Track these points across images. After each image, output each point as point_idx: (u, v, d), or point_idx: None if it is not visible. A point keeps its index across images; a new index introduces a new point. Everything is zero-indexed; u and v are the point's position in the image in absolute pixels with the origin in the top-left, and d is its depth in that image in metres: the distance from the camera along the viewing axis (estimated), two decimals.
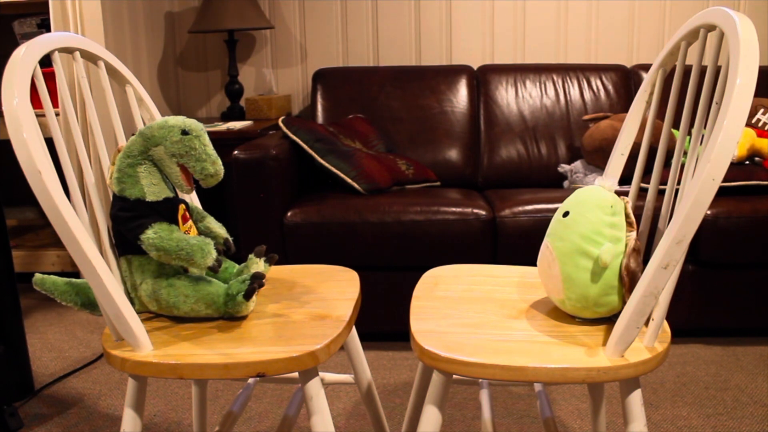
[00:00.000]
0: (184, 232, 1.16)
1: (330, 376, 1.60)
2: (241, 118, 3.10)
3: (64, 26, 2.51)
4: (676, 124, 1.29)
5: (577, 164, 2.66)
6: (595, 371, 0.97)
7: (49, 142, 2.30)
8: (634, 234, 1.10)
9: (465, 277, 1.36)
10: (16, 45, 1.08)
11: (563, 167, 2.70)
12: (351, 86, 2.91)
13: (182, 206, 1.19)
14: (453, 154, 2.80)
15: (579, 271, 1.08)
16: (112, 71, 1.30)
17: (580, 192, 1.16)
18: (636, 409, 1.02)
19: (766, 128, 2.47)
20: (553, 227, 1.15)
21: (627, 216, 1.11)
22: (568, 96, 2.85)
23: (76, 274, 2.65)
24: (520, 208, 2.18)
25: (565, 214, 1.13)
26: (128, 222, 1.12)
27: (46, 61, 1.08)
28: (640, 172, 1.22)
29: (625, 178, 1.28)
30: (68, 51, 1.18)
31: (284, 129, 2.46)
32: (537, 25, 3.09)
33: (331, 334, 1.10)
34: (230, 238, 1.30)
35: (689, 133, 1.06)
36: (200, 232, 1.26)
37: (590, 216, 1.10)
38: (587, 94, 2.84)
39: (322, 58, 3.21)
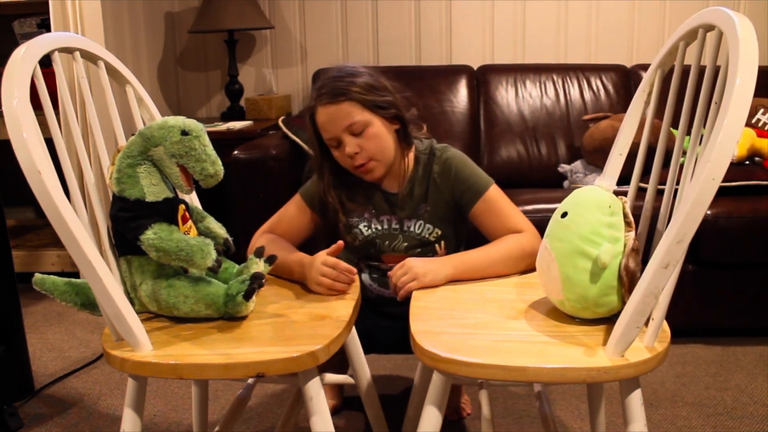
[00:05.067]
0: (184, 233, 1.16)
1: (330, 376, 1.60)
2: (241, 118, 3.10)
3: (64, 26, 2.51)
4: (675, 124, 1.28)
5: (577, 164, 2.66)
6: (595, 371, 0.97)
7: (49, 142, 2.30)
8: (632, 234, 1.10)
9: None
10: (16, 45, 1.08)
11: (563, 167, 2.70)
12: None
13: (182, 206, 1.19)
14: None
15: (578, 272, 1.08)
16: (112, 71, 1.30)
17: (578, 192, 1.16)
18: (636, 409, 1.02)
19: (766, 128, 2.46)
20: (551, 228, 1.15)
21: (625, 216, 1.11)
22: (568, 96, 2.85)
23: (76, 274, 2.64)
24: (520, 208, 2.17)
25: (564, 214, 1.12)
26: (128, 222, 1.12)
27: (46, 61, 1.08)
28: (639, 171, 1.22)
29: (624, 178, 1.28)
30: (68, 51, 1.18)
31: (284, 129, 2.46)
32: (537, 25, 3.09)
33: (331, 334, 1.10)
34: (230, 238, 1.30)
35: (688, 133, 1.06)
36: (200, 233, 1.25)
37: (588, 216, 1.09)
38: (587, 94, 2.84)
39: (322, 58, 3.21)
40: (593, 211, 1.10)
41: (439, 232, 1.50)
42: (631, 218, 1.11)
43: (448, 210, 1.50)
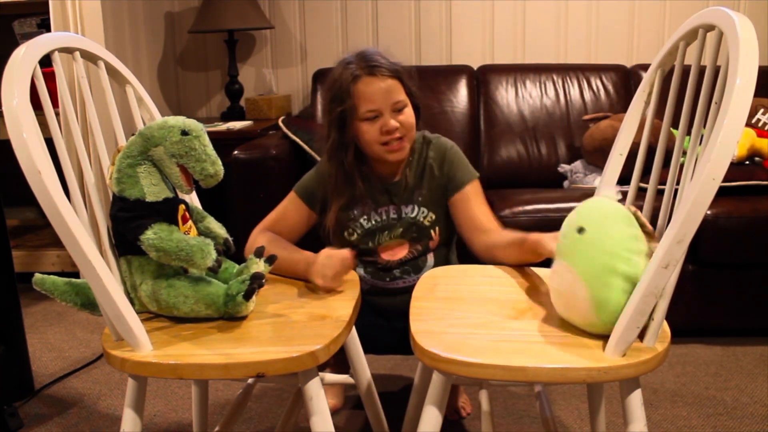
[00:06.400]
0: (184, 233, 1.16)
1: (330, 376, 1.60)
2: (241, 118, 3.10)
3: (64, 26, 2.51)
4: (675, 124, 1.28)
5: (577, 164, 2.66)
6: (595, 371, 0.97)
7: (49, 142, 2.30)
8: (656, 244, 1.00)
9: (465, 278, 1.36)
10: (16, 45, 1.08)
11: (563, 167, 2.70)
12: None
13: (182, 206, 1.19)
14: None
15: (611, 292, 1.01)
16: (112, 71, 1.30)
17: (591, 204, 1.09)
18: (636, 409, 1.02)
19: (766, 128, 2.46)
20: (569, 246, 1.07)
21: (643, 226, 1.05)
22: (568, 96, 2.84)
23: (76, 274, 2.64)
24: (520, 208, 2.18)
25: (580, 230, 1.05)
26: (128, 222, 1.12)
27: (46, 61, 1.08)
28: (639, 171, 1.22)
29: (625, 178, 1.28)
30: (68, 51, 1.18)
31: (284, 129, 2.46)
32: (537, 25, 3.09)
33: (331, 334, 1.10)
34: (230, 238, 1.30)
35: (688, 133, 1.06)
36: (200, 233, 1.25)
37: (612, 231, 1.03)
38: (587, 94, 2.84)
39: (322, 58, 3.21)
40: (616, 224, 1.04)
41: (433, 217, 1.54)
42: (650, 226, 1.06)
43: (441, 192, 1.54)
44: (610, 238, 1.03)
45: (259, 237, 1.49)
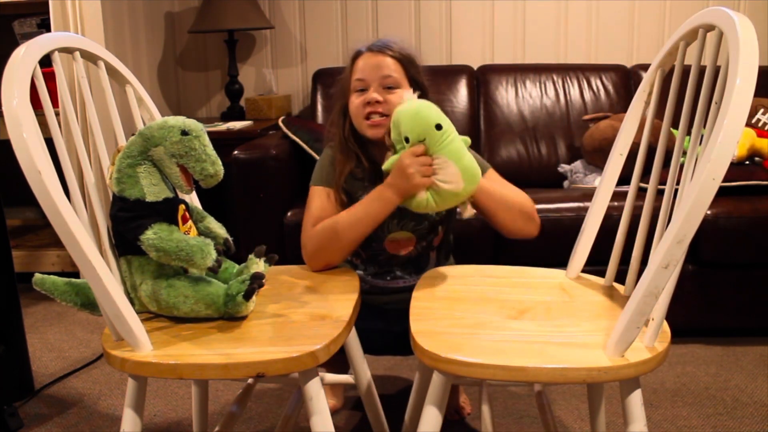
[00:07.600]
0: (184, 233, 1.16)
1: (330, 376, 1.60)
2: (241, 118, 3.10)
3: (64, 26, 2.51)
4: (675, 124, 1.28)
5: (577, 164, 2.65)
6: (595, 371, 0.97)
7: (49, 142, 2.30)
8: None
9: (465, 278, 1.36)
10: (16, 45, 1.08)
11: (563, 167, 2.70)
12: None
13: (182, 206, 1.19)
14: None
15: (469, 161, 1.31)
16: (112, 71, 1.30)
17: (423, 106, 1.32)
18: (636, 409, 1.02)
19: (766, 128, 2.46)
20: (436, 143, 1.30)
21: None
22: (568, 96, 2.84)
23: (76, 274, 2.65)
24: None
25: (438, 126, 1.30)
26: (128, 222, 1.12)
27: (46, 61, 1.08)
28: (639, 171, 1.22)
29: (625, 178, 1.28)
30: (68, 51, 1.18)
31: (284, 129, 2.46)
32: (537, 25, 3.09)
33: (331, 334, 1.10)
34: (230, 238, 1.30)
35: (688, 133, 1.06)
36: (200, 233, 1.25)
37: (446, 120, 1.32)
38: (587, 94, 2.84)
39: (322, 58, 3.21)
40: (441, 113, 1.32)
41: (443, 212, 1.53)
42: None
43: None
44: (450, 124, 1.32)
45: (315, 231, 1.45)
